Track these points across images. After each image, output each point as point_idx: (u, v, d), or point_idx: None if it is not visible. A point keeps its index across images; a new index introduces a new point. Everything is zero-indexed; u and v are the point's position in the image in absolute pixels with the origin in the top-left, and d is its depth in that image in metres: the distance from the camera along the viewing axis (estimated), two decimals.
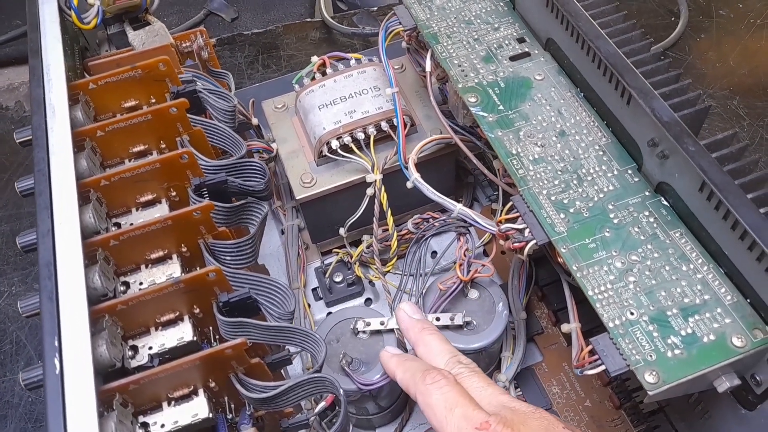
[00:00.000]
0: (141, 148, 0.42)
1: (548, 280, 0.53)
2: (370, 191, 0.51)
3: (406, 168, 0.49)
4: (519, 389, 0.50)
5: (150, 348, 0.35)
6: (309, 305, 0.57)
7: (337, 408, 0.41)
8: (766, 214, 0.32)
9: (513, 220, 0.40)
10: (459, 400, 0.33)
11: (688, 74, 0.72)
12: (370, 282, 0.57)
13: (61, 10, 0.47)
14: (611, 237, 0.38)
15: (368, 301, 0.57)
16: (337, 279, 0.57)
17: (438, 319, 0.46)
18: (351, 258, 0.56)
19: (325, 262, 0.58)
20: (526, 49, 0.47)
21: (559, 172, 0.41)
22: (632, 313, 0.35)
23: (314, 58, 0.56)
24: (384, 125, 0.52)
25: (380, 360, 0.41)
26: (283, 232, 0.60)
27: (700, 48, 0.74)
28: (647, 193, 0.39)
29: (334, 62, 0.56)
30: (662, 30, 0.76)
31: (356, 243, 0.56)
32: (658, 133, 0.36)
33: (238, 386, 0.33)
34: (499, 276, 0.57)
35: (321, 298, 0.57)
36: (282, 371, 0.43)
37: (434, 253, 0.57)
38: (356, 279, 0.56)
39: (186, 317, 0.36)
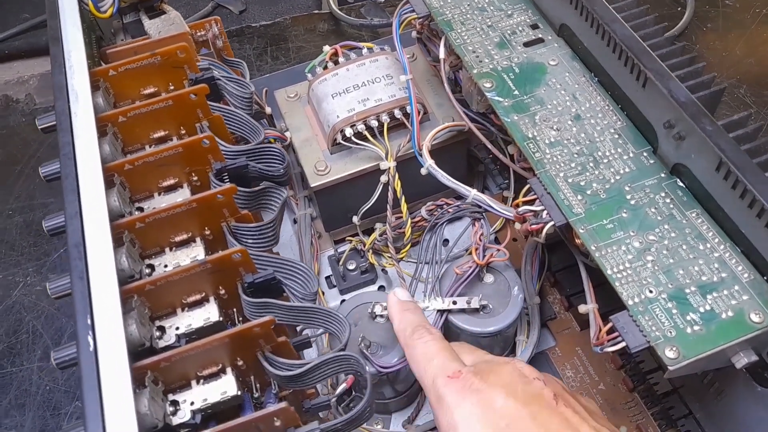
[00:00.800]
0: (161, 134, 0.42)
1: (560, 266, 0.54)
2: (383, 178, 0.52)
3: (420, 155, 0.50)
4: None
5: (177, 328, 0.35)
6: (323, 293, 0.57)
7: (353, 392, 0.41)
8: None
9: (530, 203, 0.41)
10: (439, 352, 0.35)
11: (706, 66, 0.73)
12: (384, 270, 0.58)
13: None
14: (628, 217, 0.38)
15: (381, 288, 0.57)
16: (351, 267, 0.57)
17: (455, 302, 0.46)
18: (364, 246, 0.56)
19: (339, 250, 0.58)
20: (540, 35, 0.48)
21: (576, 155, 0.41)
22: (651, 291, 0.35)
23: (326, 48, 0.56)
24: (397, 113, 0.52)
25: (387, 300, 0.43)
26: (295, 222, 0.61)
27: (707, 38, 0.75)
28: (663, 175, 0.40)
29: (346, 51, 0.57)
30: (668, 20, 0.76)
31: (369, 231, 0.57)
32: (675, 114, 0.37)
33: (265, 364, 0.33)
34: (512, 262, 0.57)
35: (335, 286, 0.57)
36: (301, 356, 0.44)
37: (446, 241, 0.57)
38: (369, 267, 0.57)
39: (212, 298, 0.36)
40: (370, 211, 0.54)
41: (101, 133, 0.40)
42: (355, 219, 0.55)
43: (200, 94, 0.42)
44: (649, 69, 0.38)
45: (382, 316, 0.47)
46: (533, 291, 0.52)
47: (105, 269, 0.32)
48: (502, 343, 0.50)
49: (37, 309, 0.60)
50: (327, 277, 0.58)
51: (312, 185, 0.53)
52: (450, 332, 0.49)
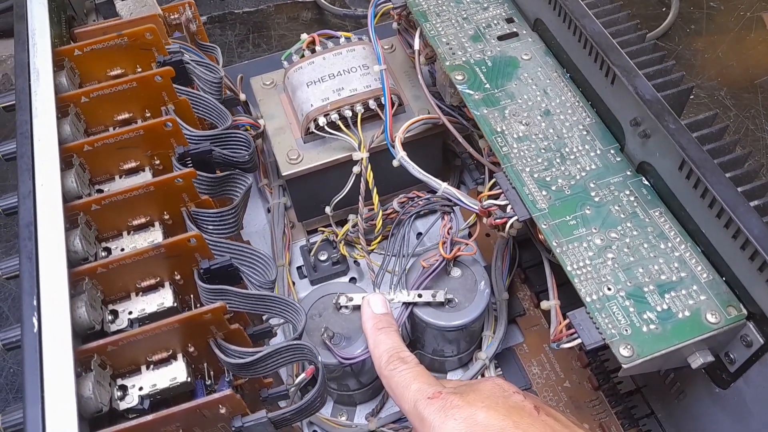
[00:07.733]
0: (126, 116, 0.42)
1: (531, 263, 0.53)
2: (356, 169, 0.51)
3: (393, 146, 0.49)
4: (499, 369, 0.51)
5: (130, 313, 0.35)
6: (294, 283, 0.57)
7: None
8: (743, 193, 0.33)
9: (496, 197, 0.41)
10: (416, 378, 0.35)
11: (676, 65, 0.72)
12: (355, 261, 0.57)
13: None
14: (592, 214, 0.38)
15: (353, 280, 0.57)
16: (322, 258, 0.57)
17: (420, 295, 0.46)
18: (336, 237, 0.56)
19: (311, 240, 0.58)
20: (515, 29, 0.47)
21: (543, 151, 0.41)
22: (609, 289, 0.35)
23: (304, 35, 0.56)
24: (372, 103, 0.52)
25: (362, 308, 0.43)
26: (269, 211, 0.60)
27: (690, 39, 0.75)
28: (629, 173, 0.39)
29: (323, 40, 0.56)
30: (652, 20, 0.76)
31: (342, 222, 0.56)
32: (640, 111, 0.37)
33: (217, 351, 0.33)
34: (483, 258, 0.57)
35: (306, 277, 0.57)
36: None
37: (420, 234, 0.57)
38: (341, 258, 0.57)
39: (167, 283, 0.36)
40: (343, 202, 0.54)
41: (62, 113, 0.39)
42: (327, 209, 0.55)
43: (165, 76, 0.41)
44: (617, 65, 0.37)
45: (346, 307, 0.46)
46: (502, 287, 0.51)
47: (55, 250, 0.32)
48: (468, 338, 0.49)
49: (5, 291, 0.59)
50: (298, 268, 0.58)
51: (284, 173, 0.52)
52: (416, 326, 0.48)
